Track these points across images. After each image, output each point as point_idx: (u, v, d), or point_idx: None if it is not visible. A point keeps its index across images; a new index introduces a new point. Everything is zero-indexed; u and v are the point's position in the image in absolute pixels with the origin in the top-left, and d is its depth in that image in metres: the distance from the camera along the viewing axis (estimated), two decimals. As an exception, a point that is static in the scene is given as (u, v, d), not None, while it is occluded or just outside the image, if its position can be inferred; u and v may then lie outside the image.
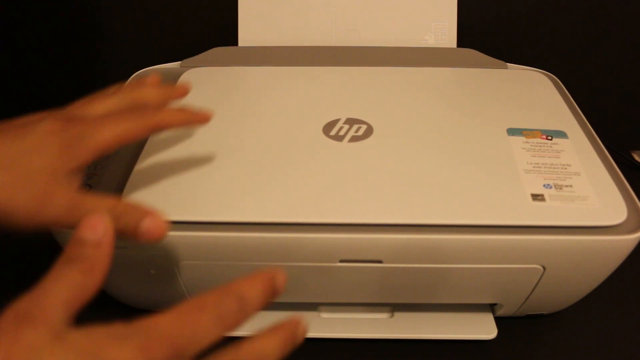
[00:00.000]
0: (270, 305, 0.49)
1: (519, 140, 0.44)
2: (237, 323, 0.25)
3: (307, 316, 0.47)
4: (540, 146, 0.44)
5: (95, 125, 0.33)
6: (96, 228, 0.25)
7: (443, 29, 0.59)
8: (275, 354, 0.25)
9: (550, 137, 0.45)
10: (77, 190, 0.32)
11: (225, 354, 0.24)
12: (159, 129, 0.36)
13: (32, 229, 0.32)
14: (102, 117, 0.35)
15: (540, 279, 0.40)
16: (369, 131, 0.45)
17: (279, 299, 0.46)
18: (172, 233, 0.37)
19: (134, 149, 0.44)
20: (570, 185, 0.40)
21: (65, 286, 0.23)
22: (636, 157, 0.66)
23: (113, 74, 0.55)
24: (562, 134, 0.45)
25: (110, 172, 0.43)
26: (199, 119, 0.38)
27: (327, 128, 0.45)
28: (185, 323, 0.24)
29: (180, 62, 0.57)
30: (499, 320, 0.47)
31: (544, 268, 0.39)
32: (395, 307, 0.48)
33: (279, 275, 0.27)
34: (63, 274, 0.24)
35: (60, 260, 0.24)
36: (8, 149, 0.32)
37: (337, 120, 0.46)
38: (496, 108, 0.48)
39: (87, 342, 0.22)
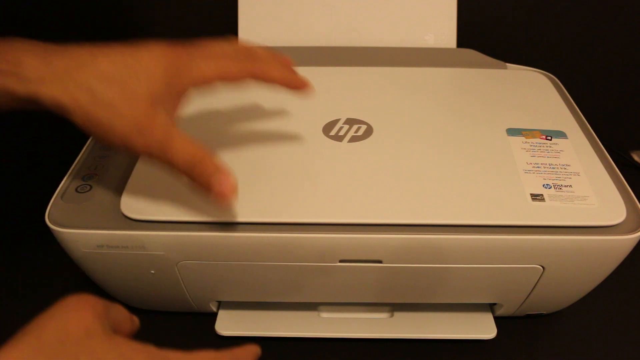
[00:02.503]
0: (272, 305, 0.49)
1: (518, 140, 0.44)
2: None
3: (307, 316, 0.47)
4: (540, 146, 0.44)
5: (201, 58, 0.35)
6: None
7: (443, 29, 0.59)
8: None
9: (549, 137, 0.45)
10: (172, 124, 0.33)
11: None
12: (259, 78, 0.36)
13: (125, 151, 0.34)
14: (210, 53, 0.36)
15: (539, 278, 0.40)
16: (369, 131, 0.45)
17: (280, 299, 0.47)
18: (171, 233, 0.37)
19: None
20: (570, 185, 0.40)
21: None
22: (636, 157, 0.66)
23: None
24: (561, 134, 0.45)
25: (110, 172, 0.43)
26: (300, 85, 0.37)
27: (327, 128, 0.45)
28: None
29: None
30: (498, 320, 0.47)
31: (543, 268, 0.39)
32: (395, 307, 0.48)
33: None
34: None
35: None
36: (116, 63, 0.32)
37: (337, 120, 0.46)
38: (496, 108, 0.48)
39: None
